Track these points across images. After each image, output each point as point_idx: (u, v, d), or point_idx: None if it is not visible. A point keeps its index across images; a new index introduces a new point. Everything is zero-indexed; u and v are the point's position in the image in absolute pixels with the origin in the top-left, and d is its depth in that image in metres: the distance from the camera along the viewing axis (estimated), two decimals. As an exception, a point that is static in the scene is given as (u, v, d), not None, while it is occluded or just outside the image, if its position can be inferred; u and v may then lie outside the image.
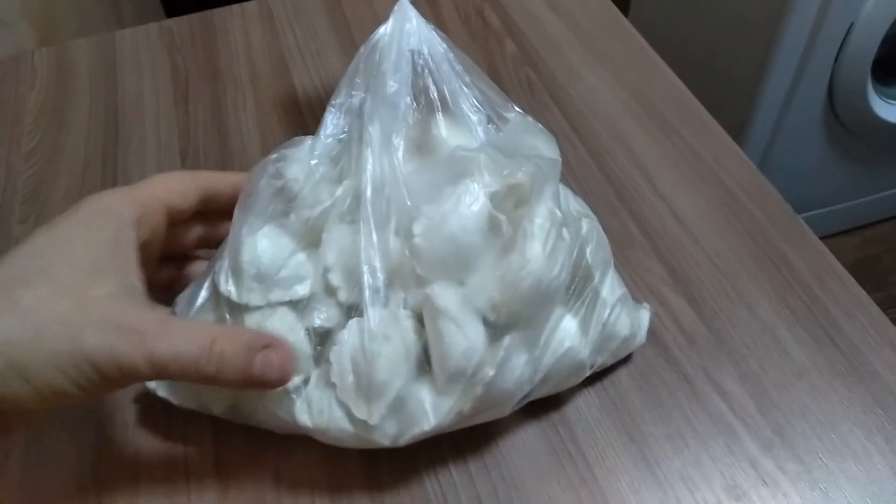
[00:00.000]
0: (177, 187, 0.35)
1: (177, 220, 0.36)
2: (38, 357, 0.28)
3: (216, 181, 0.37)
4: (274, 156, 0.37)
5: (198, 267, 0.39)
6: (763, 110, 1.12)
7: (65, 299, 0.29)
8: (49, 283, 0.29)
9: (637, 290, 0.43)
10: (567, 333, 0.36)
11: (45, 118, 0.56)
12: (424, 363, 0.34)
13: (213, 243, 0.39)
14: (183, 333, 0.30)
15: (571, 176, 0.49)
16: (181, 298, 0.36)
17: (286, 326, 0.33)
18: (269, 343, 0.32)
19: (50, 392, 0.28)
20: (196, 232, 0.38)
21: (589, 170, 0.50)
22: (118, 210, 0.33)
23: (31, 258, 0.30)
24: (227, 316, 0.34)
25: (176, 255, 0.38)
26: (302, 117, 0.55)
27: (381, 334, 0.33)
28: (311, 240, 0.35)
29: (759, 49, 1.07)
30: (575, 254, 0.36)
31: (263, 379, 0.31)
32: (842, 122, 1.17)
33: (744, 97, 1.13)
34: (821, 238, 0.45)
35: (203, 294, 0.35)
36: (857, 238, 1.40)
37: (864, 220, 1.41)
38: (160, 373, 0.30)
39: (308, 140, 0.38)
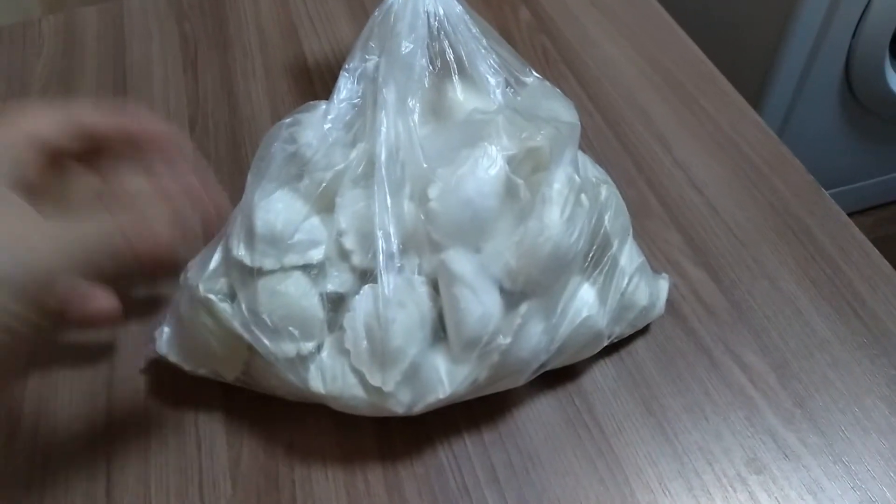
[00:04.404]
0: (43, 119, 0.31)
1: (58, 160, 0.32)
2: None
3: (94, 116, 0.32)
4: (288, 120, 0.36)
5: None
6: (779, 86, 1.10)
7: None
8: None
9: (655, 260, 0.42)
10: (585, 302, 0.35)
11: (53, 86, 0.55)
12: (440, 330, 0.33)
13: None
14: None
15: (588, 145, 0.48)
16: (192, 264, 0.36)
17: (300, 291, 0.33)
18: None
19: None
20: (87, 181, 0.34)
21: (606, 139, 0.49)
22: None
23: None
24: (239, 281, 0.33)
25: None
26: (312, 84, 0.54)
27: (396, 301, 0.32)
28: (324, 204, 0.34)
29: (776, 23, 1.05)
30: (593, 221, 0.35)
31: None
32: (858, 99, 1.15)
33: (760, 73, 1.11)
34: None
35: (216, 258, 0.34)
36: (871, 218, 1.38)
37: (878, 200, 1.40)
38: (79, 266, 0.27)
39: (322, 105, 0.37)
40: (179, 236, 0.30)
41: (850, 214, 0.44)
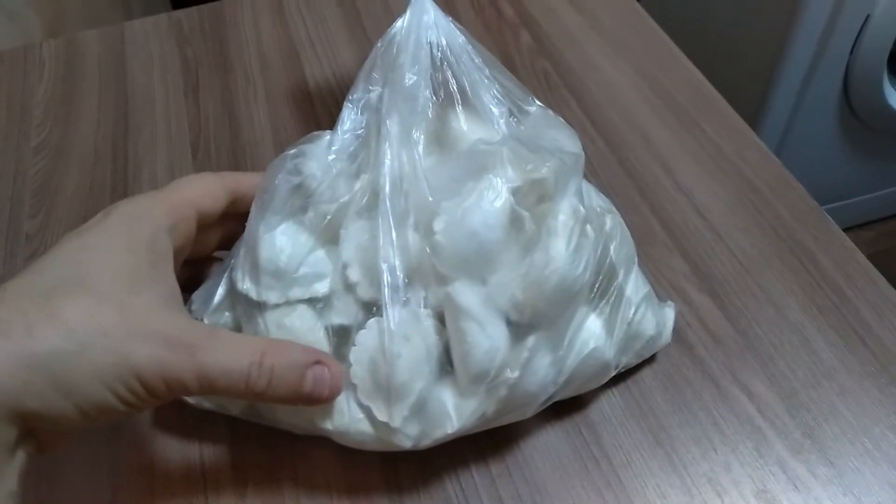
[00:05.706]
0: (208, 191, 0.34)
1: (204, 224, 0.34)
2: (82, 372, 0.26)
3: (241, 182, 0.36)
4: (291, 151, 0.36)
5: (216, 268, 0.38)
6: (778, 102, 1.11)
7: (107, 310, 0.27)
8: (88, 293, 0.28)
9: (660, 287, 0.42)
10: (591, 333, 0.35)
11: (54, 111, 0.55)
12: (446, 364, 0.33)
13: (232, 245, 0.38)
14: (231, 347, 0.29)
15: (591, 171, 0.48)
16: (197, 296, 0.35)
17: (305, 325, 0.33)
18: (320, 359, 0.31)
19: (93, 409, 0.27)
20: (218, 235, 0.37)
21: (609, 165, 0.49)
22: (152, 216, 0.31)
23: (64, 266, 0.29)
24: (244, 314, 0.33)
25: (195, 259, 0.37)
26: (314, 109, 0.54)
27: (402, 334, 0.32)
28: (329, 236, 0.34)
29: (774, 40, 1.06)
30: (599, 251, 0.35)
31: (314, 395, 0.31)
32: (857, 114, 1.16)
33: (758, 89, 1.11)
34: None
35: (220, 292, 0.34)
36: (872, 232, 1.38)
37: (878, 214, 1.40)
38: (208, 388, 0.29)
39: (326, 135, 0.37)
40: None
41: (850, 229, 0.44)
